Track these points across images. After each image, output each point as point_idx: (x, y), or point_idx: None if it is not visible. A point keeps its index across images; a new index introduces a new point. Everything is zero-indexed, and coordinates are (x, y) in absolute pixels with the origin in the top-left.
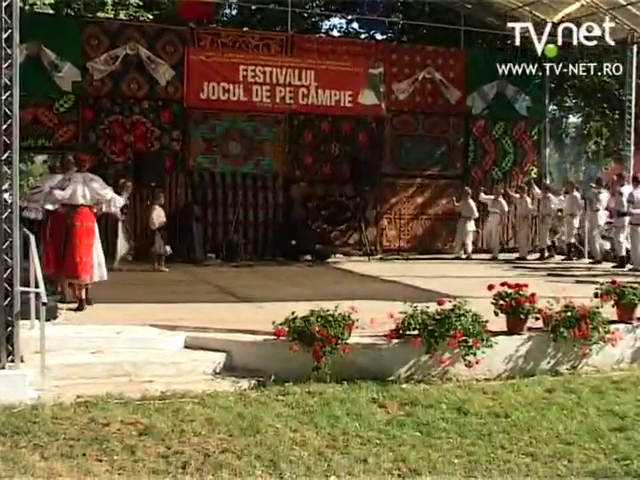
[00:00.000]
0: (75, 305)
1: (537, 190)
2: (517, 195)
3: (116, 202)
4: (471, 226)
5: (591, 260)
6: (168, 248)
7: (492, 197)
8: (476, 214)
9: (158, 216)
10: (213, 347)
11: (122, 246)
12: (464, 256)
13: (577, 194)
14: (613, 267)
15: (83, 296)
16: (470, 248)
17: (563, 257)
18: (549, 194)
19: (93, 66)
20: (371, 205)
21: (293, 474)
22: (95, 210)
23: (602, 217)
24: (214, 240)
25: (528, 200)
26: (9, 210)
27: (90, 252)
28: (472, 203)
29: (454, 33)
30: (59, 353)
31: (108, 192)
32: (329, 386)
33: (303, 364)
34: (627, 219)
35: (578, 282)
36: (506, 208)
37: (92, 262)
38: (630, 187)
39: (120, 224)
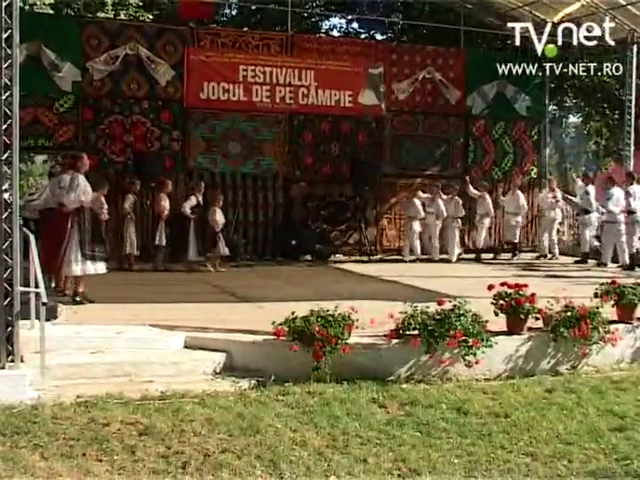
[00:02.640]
0: (72, 301)
1: (473, 190)
2: (478, 193)
3: (87, 197)
4: (416, 226)
5: (537, 254)
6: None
7: (429, 196)
8: (422, 214)
9: (220, 217)
10: (213, 347)
11: (194, 245)
12: (408, 258)
13: (519, 193)
14: (575, 262)
15: (80, 289)
16: (418, 250)
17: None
18: (485, 194)
19: (93, 66)
20: (371, 205)
21: (293, 474)
22: (70, 209)
23: (559, 215)
24: None
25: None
26: (9, 210)
27: (67, 248)
28: (417, 203)
29: (454, 33)
30: (59, 353)
31: (87, 192)
32: (329, 386)
33: (303, 364)
34: (594, 216)
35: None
36: (443, 208)
37: (70, 258)
38: (592, 187)
39: (192, 223)
